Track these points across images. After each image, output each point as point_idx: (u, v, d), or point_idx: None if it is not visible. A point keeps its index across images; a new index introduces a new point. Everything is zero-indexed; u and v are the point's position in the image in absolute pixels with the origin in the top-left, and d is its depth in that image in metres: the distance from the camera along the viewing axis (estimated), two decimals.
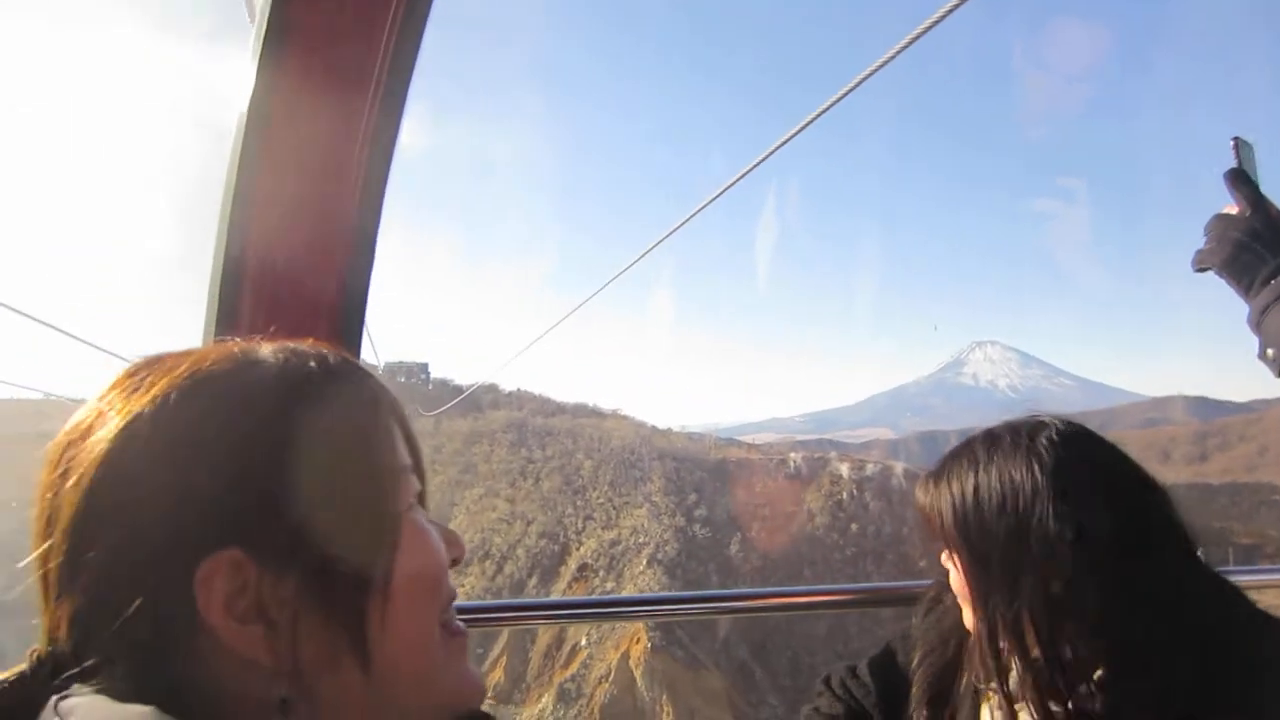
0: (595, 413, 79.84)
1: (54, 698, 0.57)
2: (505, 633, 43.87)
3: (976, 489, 1.17)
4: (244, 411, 0.62)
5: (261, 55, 1.30)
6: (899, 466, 66.20)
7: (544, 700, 46.49)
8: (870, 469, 64.70)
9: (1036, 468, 1.13)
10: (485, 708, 0.74)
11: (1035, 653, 1.10)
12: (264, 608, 0.60)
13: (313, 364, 0.67)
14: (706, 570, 55.98)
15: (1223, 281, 1.39)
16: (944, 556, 1.27)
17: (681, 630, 47.17)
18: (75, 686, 0.58)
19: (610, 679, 45.88)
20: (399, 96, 1.40)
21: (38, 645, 0.62)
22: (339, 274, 1.43)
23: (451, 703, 0.70)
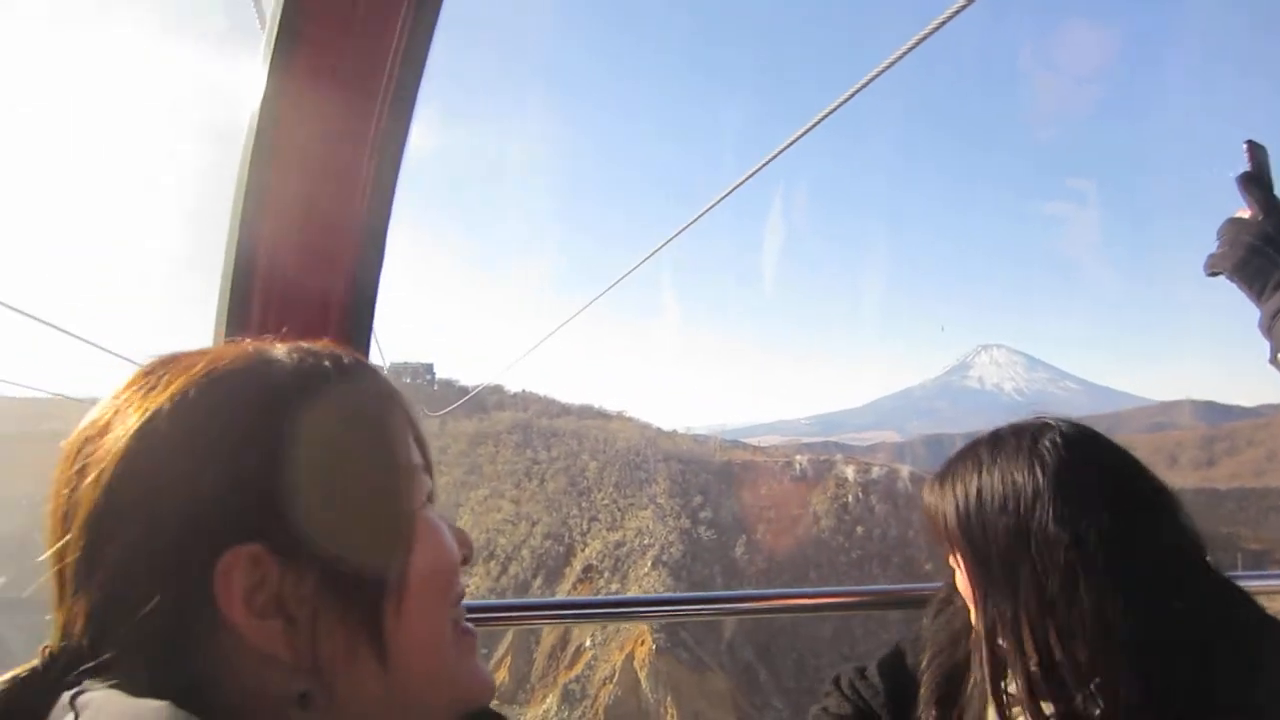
0: (600, 414, 79.89)
1: (68, 693, 0.57)
2: (510, 633, 43.92)
3: (979, 490, 1.18)
4: (262, 409, 0.63)
5: (272, 59, 1.31)
6: (905, 470, 66.07)
7: (548, 701, 46.54)
8: (876, 472, 64.60)
9: (1038, 469, 1.14)
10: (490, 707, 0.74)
11: (1032, 654, 1.11)
12: (283, 603, 0.60)
13: (327, 363, 0.68)
14: (711, 573, 55.96)
15: (1234, 285, 1.38)
16: (951, 558, 1.27)
17: (686, 632, 47.15)
18: (88, 682, 0.58)
19: (615, 680, 45.89)
20: (408, 100, 1.41)
21: (50, 641, 0.62)
22: (348, 275, 1.44)
23: (462, 699, 0.71)
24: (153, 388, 0.63)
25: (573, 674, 47.76)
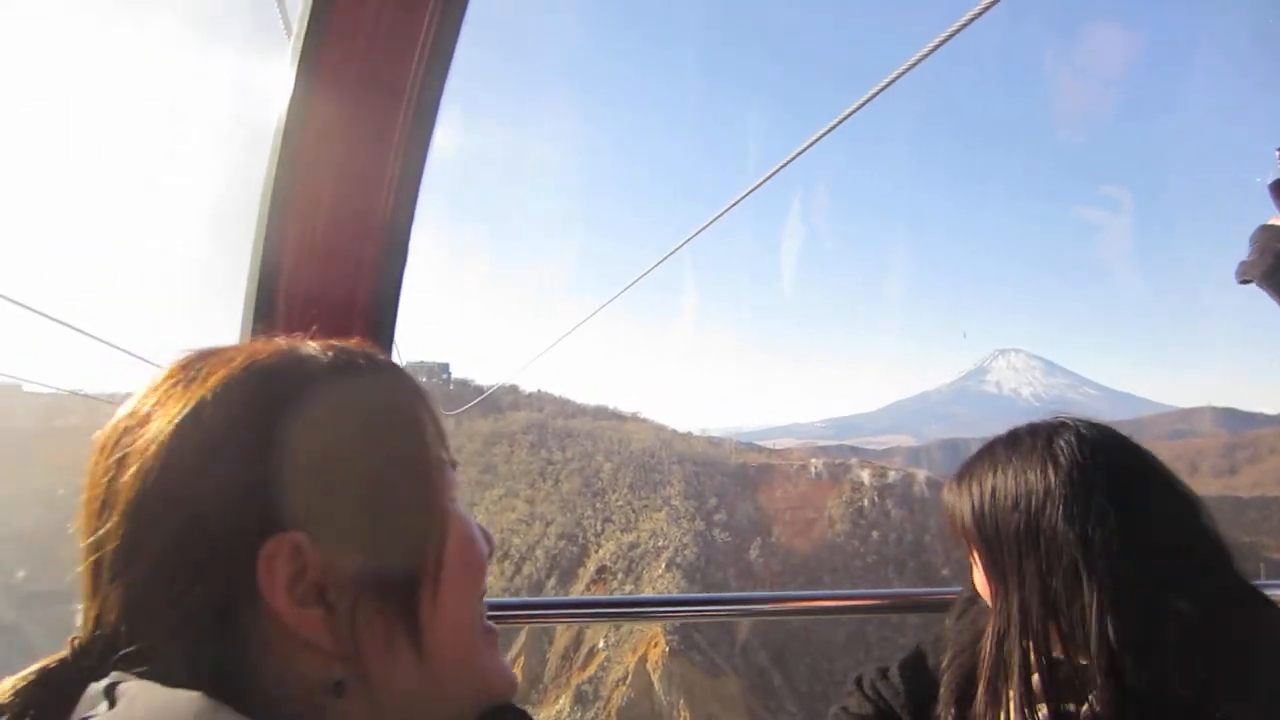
0: (615, 415, 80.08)
1: (99, 683, 0.58)
2: (523, 633, 44.00)
3: (994, 489, 1.19)
4: (302, 401, 0.64)
5: (300, 61, 1.33)
6: (921, 474, 65.63)
7: (561, 702, 46.62)
8: (892, 476, 64.22)
9: (1051, 469, 1.14)
10: None
11: (1037, 653, 1.11)
12: (323, 591, 0.61)
13: (361, 360, 0.71)
14: (726, 575, 55.83)
15: (1263, 292, 1.37)
16: (969, 556, 1.28)
17: (700, 635, 47.06)
18: (116, 674, 0.59)
19: (628, 682, 45.88)
20: (432, 104, 1.43)
21: (77, 632, 0.63)
22: (372, 275, 1.46)
23: (487, 691, 0.72)
24: (193, 380, 0.64)
25: (586, 675, 47.82)
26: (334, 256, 1.43)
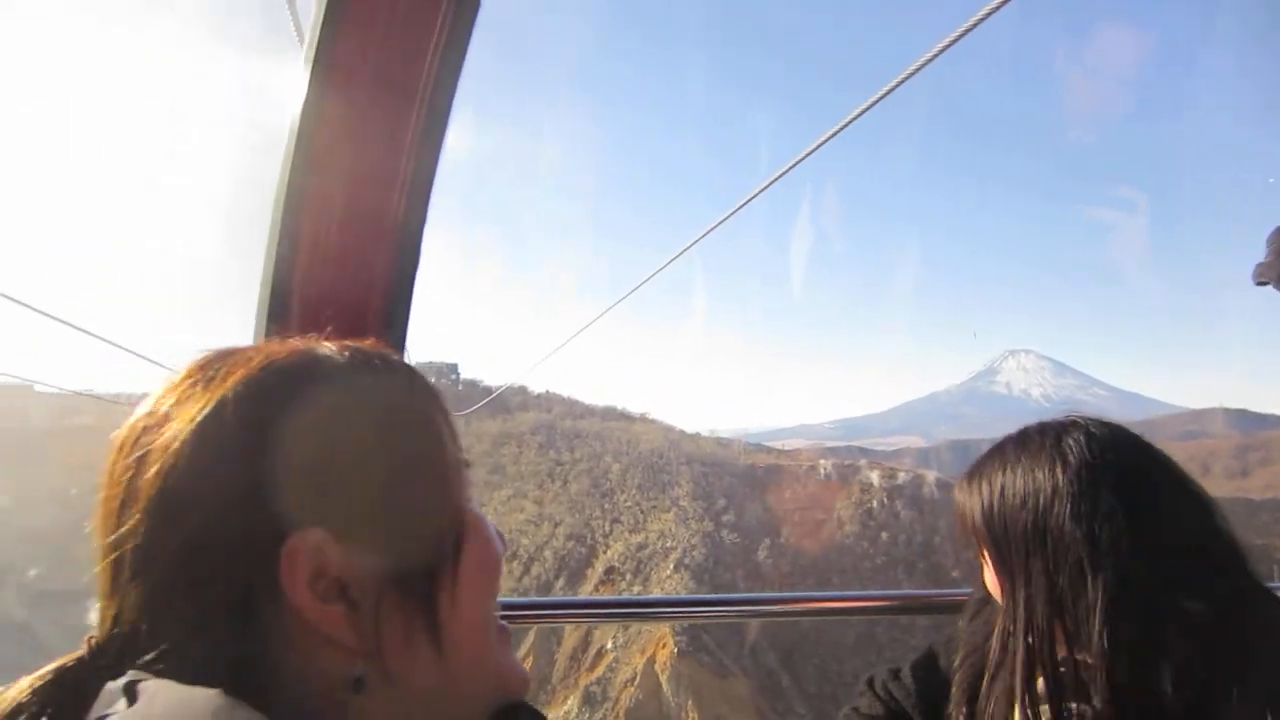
0: (624, 416, 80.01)
1: (116, 681, 0.59)
2: (531, 634, 44.06)
3: (1003, 487, 1.19)
4: (321, 401, 0.65)
5: (314, 62, 1.34)
6: (930, 475, 65.29)
7: (569, 703, 46.60)
8: (901, 477, 63.91)
9: (1059, 467, 1.14)
10: None
11: (1041, 651, 1.11)
12: (344, 587, 0.62)
13: (377, 361, 0.71)
14: (734, 576, 55.70)
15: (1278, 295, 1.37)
16: (980, 555, 1.28)
17: (708, 636, 46.96)
18: (133, 672, 0.59)
19: (636, 683, 45.82)
20: (445, 105, 1.43)
21: (93, 631, 0.63)
22: (385, 276, 1.47)
23: (502, 688, 0.73)
24: (212, 379, 0.65)
25: (594, 676, 47.79)
26: (347, 258, 1.44)
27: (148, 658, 0.59)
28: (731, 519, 59.67)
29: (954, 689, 1.31)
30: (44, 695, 0.58)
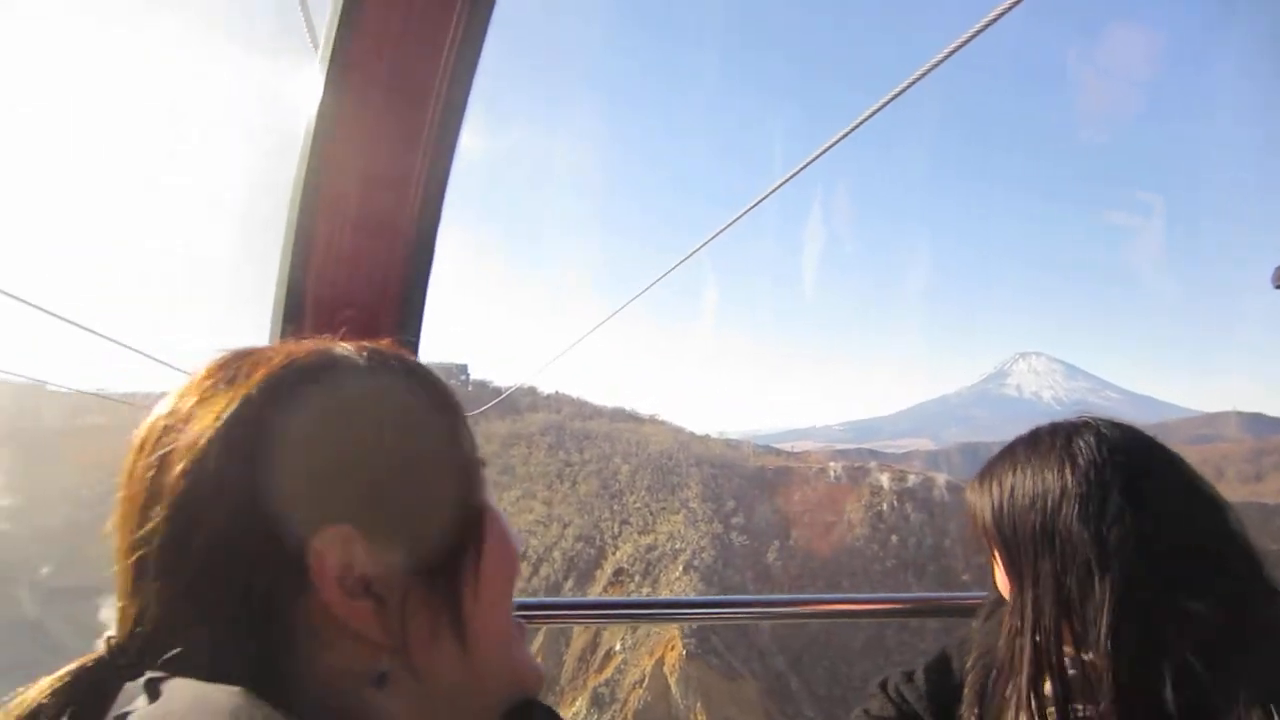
0: (633, 417, 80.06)
1: (137, 681, 0.58)
2: (540, 634, 44.05)
3: (1013, 488, 1.19)
4: (343, 399, 0.66)
5: (329, 64, 1.35)
6: (941, 478, 65.01)
7: (578, 704, 46.61)
8: (911, 480, 63.64)
9: (1068, 468, 1.14)
10: None
11: (1047, 651, 1.11)
12: (370, 584, 0.62)
13: (394, 362, 0.72)
14: (743, 578, 55.61)
15: None
16: (990, 557, 1.28)
17: (717, 638, 46.90)
18: (151, 673, 0.59)
19: (644, 685, 45.79)
20: (459, 106, 1.44)
21: (113, 630, 0.62)
22: (399, 278, 1.48)
23: (519, 684, 0.73)
24: (234, 378, 0.65)
25: (602, 678, 47.82)
26: (361, 259, 1.45)
27: (168, 656, 0.59)
28: (741, 521, 59.61)
29: (966, 690, 1.31)
30: (63, 696, 0.58)
